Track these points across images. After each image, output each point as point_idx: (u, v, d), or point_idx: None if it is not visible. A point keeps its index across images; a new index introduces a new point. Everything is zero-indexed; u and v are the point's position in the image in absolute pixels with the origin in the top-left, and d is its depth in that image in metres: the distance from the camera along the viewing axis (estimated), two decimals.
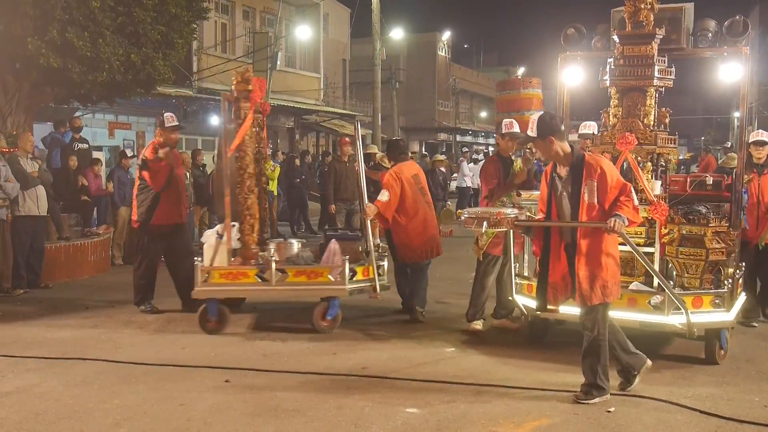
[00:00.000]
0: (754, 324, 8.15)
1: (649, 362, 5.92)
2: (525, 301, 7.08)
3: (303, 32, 27.79)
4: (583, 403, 5.52)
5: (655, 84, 7.39)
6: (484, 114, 58.15)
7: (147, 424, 5.20)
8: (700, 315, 6.43)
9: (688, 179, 7.52)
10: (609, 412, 5.39)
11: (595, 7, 9.96)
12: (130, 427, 5.15)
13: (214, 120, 22.01)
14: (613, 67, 7.53)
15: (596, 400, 5.55)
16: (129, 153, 14.06)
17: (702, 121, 79.90)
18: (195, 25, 14.51)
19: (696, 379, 6.20)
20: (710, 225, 6.76)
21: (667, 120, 7.58)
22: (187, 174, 13.58)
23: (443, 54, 51.55)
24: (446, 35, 51.13)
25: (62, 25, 10.78)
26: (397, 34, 35.34)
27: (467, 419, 5.28)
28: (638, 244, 6.53)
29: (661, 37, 7.39)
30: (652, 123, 7.45)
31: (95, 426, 5.18)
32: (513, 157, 8.08)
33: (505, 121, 8.17)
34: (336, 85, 33.96)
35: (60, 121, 14.17)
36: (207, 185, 14.14)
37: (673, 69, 7.52)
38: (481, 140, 54.91)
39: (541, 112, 5.94)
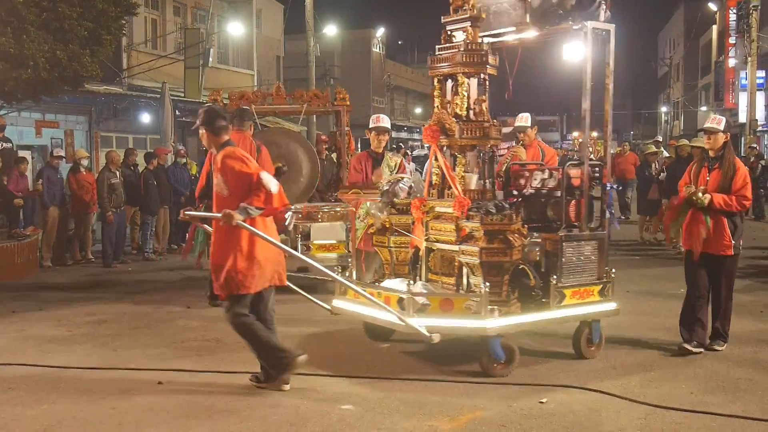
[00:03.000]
0: (716, 348, 6.88)
1: (301, 359, 5.79)
2: (345, 305, 6.75)
3: (235, 28, 27.49)
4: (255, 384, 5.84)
5: (465, 71, 6.56)
6: (419, 110, 58.46)
7: (76, 429, 5.09)
8: (448, 320, 6.03)
9: (528, 174, 7.11)
10: (542, 403, 5.48)
11: None
12: None
13: (146, 118, 21.60)
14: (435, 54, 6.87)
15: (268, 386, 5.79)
16: (58, 152, 13.71)
17: (631, 116, 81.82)
18: (124, 21, 14.25)
19: (625, 369, 6.35)
20: (511, 223, 6.22)
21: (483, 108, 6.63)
22: (117, 173, 13.33)
23: (378, 50, 51.64)
24: (380, 32, 51.23)
25: None
26: (331, 30, 35.30)
27: (402, 414, 5.30)
28: (449, 242, 6.47)
29: (479, 19, 6.62)
30: (465, 113, 6.60)
31: None
32: (388, 154, 8.10)
33: (373, 116, 8.27)
34: (270, 82, 33.65)
35: None
36: (138, 185, 13.88)
37: (497, 57, 6.78)
38: (416, 136, 55.13)
39: (210, 105, 6.15)
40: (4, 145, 13.52)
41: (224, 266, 5.65)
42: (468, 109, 6.63)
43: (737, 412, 5.28)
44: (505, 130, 8.46)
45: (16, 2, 10.64)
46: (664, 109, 68.03)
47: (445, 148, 6.70)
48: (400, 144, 31.01)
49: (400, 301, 6.10)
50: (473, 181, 6.71)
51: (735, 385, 5.92)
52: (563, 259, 6.46)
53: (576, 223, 6.69)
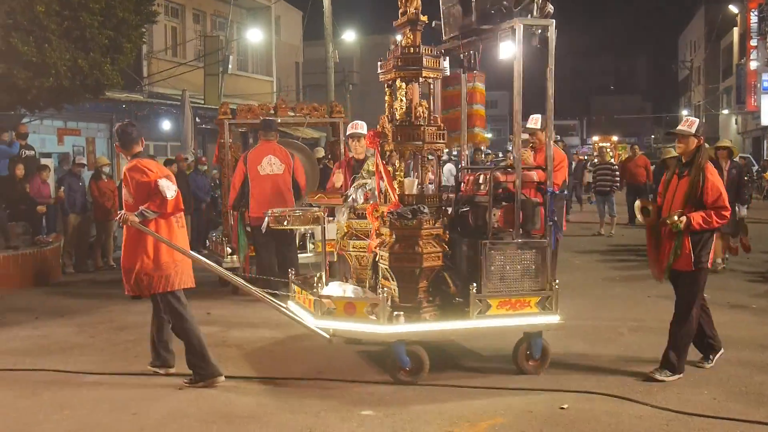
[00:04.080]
0: (658, 378, 6.13)
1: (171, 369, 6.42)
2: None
3: (254, 35, 27.62)
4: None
5: (402, 76, 6.47)
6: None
7: None
8: (350, 323, 6.10)
9: (469, 178, 6.96)
10: (563, 408, 5.45)
11: None
12: None
13: (166, 125, 21.74)
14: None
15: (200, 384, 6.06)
16: (80, 159, 13.83)
17: (652, 120, 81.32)
18: (144, 29, 14.35)
19: (646, 375, 6.29)
20: (423, 227, 6.18)
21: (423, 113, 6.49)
22: None
23: None
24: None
25: (6, 30, 10.58)
26: (350, 36, 35.32)
27: (422, 420, 5.29)
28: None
29: (420, 23, 6.57)
30: (405, 117, 6.48)
31: None
32: (371, 159, 8.05)
33: (351, 123, 8.31)
34: (289, 88, 33.79)
35: (0, 128, 13.83)
36: None
37: (443, 60, 6.70)
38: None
39: (119, 124, 6.50)
40: (27, 152, 13.65)
41: (133, 269, 6.16)
42: (409, 113, 6.49)
43: (761, 418, 5.23)
44: (524, 136, 8.42)
45: (38, 12, 10.75)
46: (684, 112, 67.43)
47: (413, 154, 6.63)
48: None
49: (314, 303, 6.26)
50: (413, 185, 6.66)
51: (759, 390, 5.87)
52: (485, 267, 6.15)
53: (511, 230, 6.37)
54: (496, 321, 6.16)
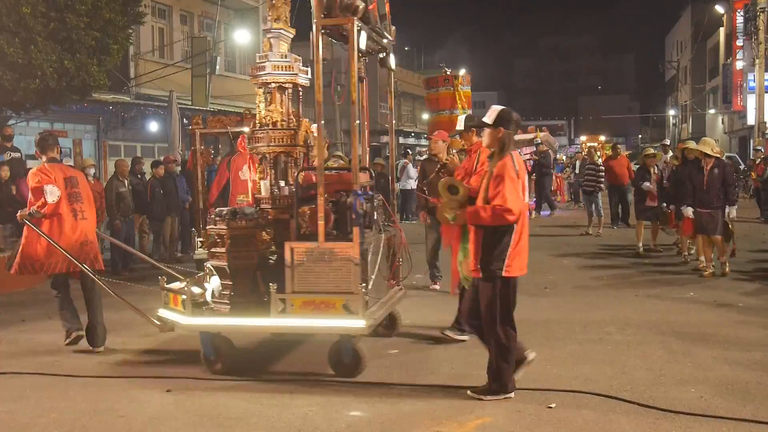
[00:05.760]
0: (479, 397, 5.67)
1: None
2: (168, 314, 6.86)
3: (242, 36, 27.56)
4: None
5: (255, 82, 7.00)
6: (426, 116, 58.48)
7: None
8: (173, 313, 6.71)
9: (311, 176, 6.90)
10: (550, 408, 5.46)
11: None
12: None
13: (153, 126, 21.68)
14: None
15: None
16: (67, 161, 13.76)
17: (639, 120, 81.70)
18: (131, 30, 14.33)
19: (634, 374, 6.32)
20: (236, 228, 6.51)
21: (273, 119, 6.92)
22: (126, 182, 13.38)
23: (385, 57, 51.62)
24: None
25: None
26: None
27: (411, 420, 5.29)
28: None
29: (274, 32, 7.03)
30: (265, 122, 6.90)
31: None
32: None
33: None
34: None
35: None
36: (145, 193, 13.92)
37: (292, 64, 7.02)
38: (423, 142, 55.19)
39: (39, 133, 7.24)
40: (13, 154, 13.58)
41: (29, 255, 7.35)
42: (268, 117, 6.94)
43: (747, 416, 5.25)
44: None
45: (23, 13, 10.72)
46: (672, 112, 67.90)
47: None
48: (408, 150, 30.98)
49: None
50: (264, 187, 6.99)
51: (745, 388, 5.89)
52: (289, 267, 6.19)
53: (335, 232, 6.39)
54: (298, 321, 6.19)
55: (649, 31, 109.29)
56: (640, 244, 13.49)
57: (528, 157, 21.71)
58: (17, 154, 13.82)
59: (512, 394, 5.64)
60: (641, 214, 13.74)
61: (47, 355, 7.31)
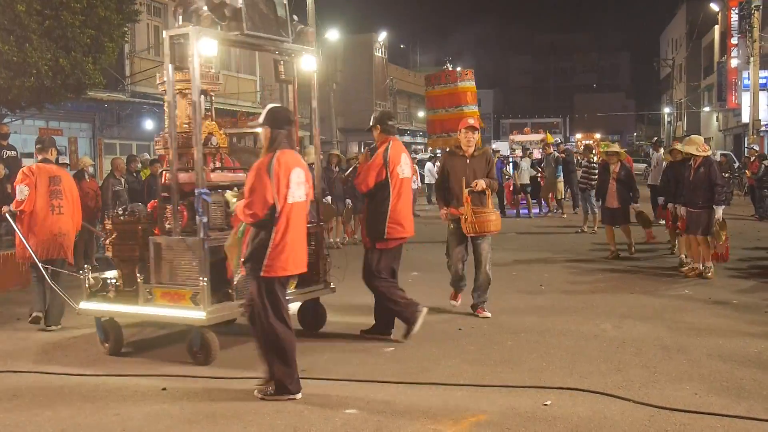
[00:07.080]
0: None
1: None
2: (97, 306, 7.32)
3: None
4: None
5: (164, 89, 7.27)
6: (421, 113, 58.55)
7: None
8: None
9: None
10: (545, 405, 5.47)
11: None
12: None
13: (149, 124, 21.65)
14: None
15: None
16: (63, 160, 13.73)
17: (634, 118, 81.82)
18: (126, 28, 14.30)
19: (629, 371, 6.33)
20: (120, 223, 7.23)
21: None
22: (122, 180, 13.37)
23: (380, 54, 51.69)
24: (382, 36, 51.30)
25: None
26: (333, 35, 35.32)
27: (407, 418, 5.30)
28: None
29: (177, 38, 7.37)
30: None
31: None
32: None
33: None
34: (273, 87, 33.73)
35: None
36: (141, 191, 13.91)
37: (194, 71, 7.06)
38: (419, 140, 55.26)
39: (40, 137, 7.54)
40: (9, 153, 13.57)
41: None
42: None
43: (742, 412, 5.26)
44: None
45: (18, 11, 10.69)
46: (667, 110, 67.99)
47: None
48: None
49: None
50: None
51: (740, 385, 5.91)
52: (150, 260, 6.94)
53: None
54: (157, 310, 6.86)
55: (644, 29, 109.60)
56: (612, 248, 12.91)
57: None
58: (13, 153, 13.80)
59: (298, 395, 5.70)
60: (603, 218, 13.52)
61: (42, 353, 7.31)
